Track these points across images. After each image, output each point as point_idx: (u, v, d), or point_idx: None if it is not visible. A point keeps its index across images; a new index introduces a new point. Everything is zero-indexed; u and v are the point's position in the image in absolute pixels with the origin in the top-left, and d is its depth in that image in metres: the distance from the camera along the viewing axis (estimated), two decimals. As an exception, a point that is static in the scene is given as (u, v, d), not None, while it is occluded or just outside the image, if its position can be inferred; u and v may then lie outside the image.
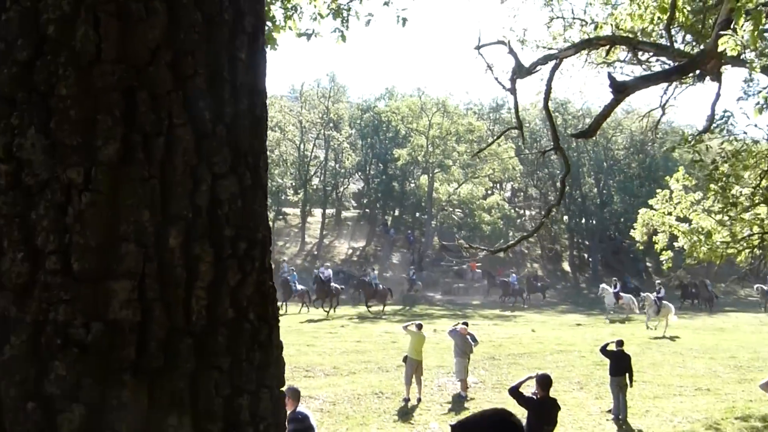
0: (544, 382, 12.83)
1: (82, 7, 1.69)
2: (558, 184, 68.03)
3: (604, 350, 19.05)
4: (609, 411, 18.78)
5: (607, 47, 16.57)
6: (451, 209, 67.42)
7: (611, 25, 15.96)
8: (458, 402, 20.42)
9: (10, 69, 1.68)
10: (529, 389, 13.43)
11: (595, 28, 15.76)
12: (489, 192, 69.90)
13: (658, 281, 43.92)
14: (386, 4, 11.18)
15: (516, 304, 50.39)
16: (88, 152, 1.67)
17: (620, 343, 19.30)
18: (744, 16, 8.17)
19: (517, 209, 74.42)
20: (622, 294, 43.96)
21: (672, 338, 32.98)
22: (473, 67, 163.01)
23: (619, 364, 18.66)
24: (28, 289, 1.66)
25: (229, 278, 1.83)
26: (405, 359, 20.77)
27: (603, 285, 46.68)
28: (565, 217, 68.34)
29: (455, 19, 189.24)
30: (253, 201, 1.93)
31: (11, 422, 1.62)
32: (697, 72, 13.65)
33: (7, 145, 1.67)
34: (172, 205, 1.73)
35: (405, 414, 18.85)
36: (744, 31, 8.58)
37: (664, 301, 35.99)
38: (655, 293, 37.64)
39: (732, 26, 9.04)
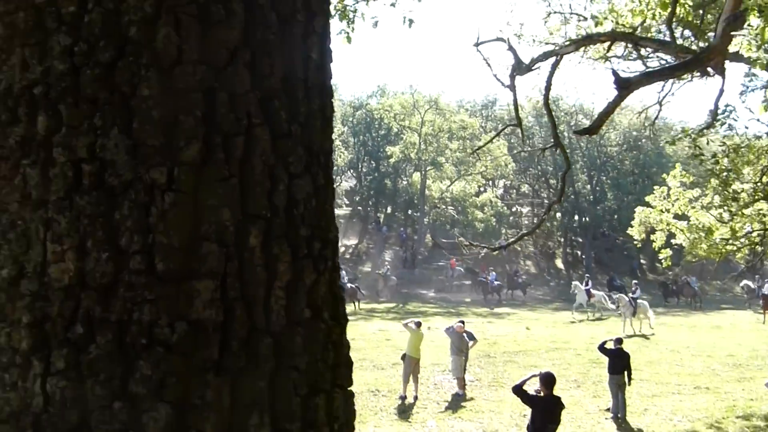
0: (548, 380, 12.87)
1: (164, 8, 1.70)
2: (552, 180, 68.23)
3: (602, 348, 19.06)
4: (607, 410, 18.82)
5: (608, 43, 16.60)
6: (443, 206, 67.41)
7: (611, 20, 15.96)
8: (456, 400, 20.44)
9: (92, 70, 1.69)
10: (531, 387, 13.44)
11: (596, 24, 15.77)
12: (481, 189, 69.90)
13: (635, 281, 43.71)
14: (393, 5, 11.23)
15: (500, 302, 50.39)
16: (170, 152, 1.69)
17: (619, 341, 19.35)
18: (757, 14, 8.21)
19: (509, 206, 74.35)
20: (593, 291, 43.74)
21: (647, 336, 32.87)
22: (466, 63, 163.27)
23: (618, 362, 18.67)
24: (113, 289, 1.67)
25: (305, 278, 1.85)
26: (403, 357, 20.78)
27: (575, 282, 46.58)
28: (558, 214, 68.36)
29: (447, 15, 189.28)
30: (325, 201, 1.95)
31: (97, 421, 1.63)
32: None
33: (90, 146, 1.68)
34: (252, 205, 1.75)
35: (402, 412, 18.89)
36: (755, 29, 8.61)
37: (638, 300, 35.67)
38: (630, 294, 37.35)
39: (746, 24, 9.07)
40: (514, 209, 75.88)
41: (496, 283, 52.43)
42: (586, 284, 44.76)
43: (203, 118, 1.72)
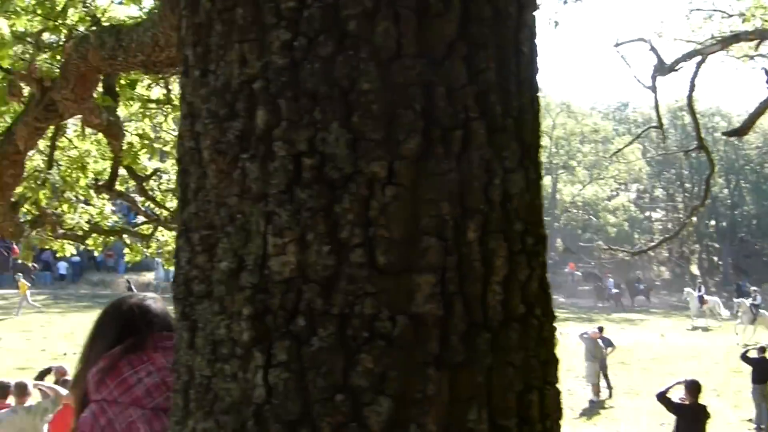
0: (693, 388, 12.63)
1: (383, 2, 1.71)
2: (687, 184, 66.47)
3: (744, 357, 18.59)
4: (750, 420, 18.29)
5: (757, 42, 16.09)
6: (575, 211, 66.64)
7: (759, 17, 15.47)
8: (591, 407, 20.22)
9: (312, 64, 1.71)
10: (674, 395, 13.20)
11: (743, 21, 15.34)
12: (614, 193, 68.81)
13: (753, 288, 41.96)
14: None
15: (617, 307, 49.66)
16: (390, 146, 1.70)
17: (762, 349, 18.77)
18: None
19: (642, 211, 72.86)
20: (707, 297, 42.31)
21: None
22: (598, 65, 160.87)
23: (762, 371, 18.11)
24: (334, 282, 1.69)
25: (519, 273, 1.83)
26: (537, 362, 20.66)
27: (687, 289, 45.48)
28: (693, 219, 66.63)
29: (579, 16, 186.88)
30: (536, 196, 1.94)
31: (319, 413, 1.65)
32: None
33: (310, 139, 1.70)
34: (469, 199, 1.74)
35: (537, 417, 18.72)
36: None
37: (760, 309, 33.87)
38: (750, 299, 35.59)
39: None
40: (646, 214, 74.31)
41: (614, 290, 51.84)
42: (699, 290, 43.74)
43: (422, 112, 1.72)
